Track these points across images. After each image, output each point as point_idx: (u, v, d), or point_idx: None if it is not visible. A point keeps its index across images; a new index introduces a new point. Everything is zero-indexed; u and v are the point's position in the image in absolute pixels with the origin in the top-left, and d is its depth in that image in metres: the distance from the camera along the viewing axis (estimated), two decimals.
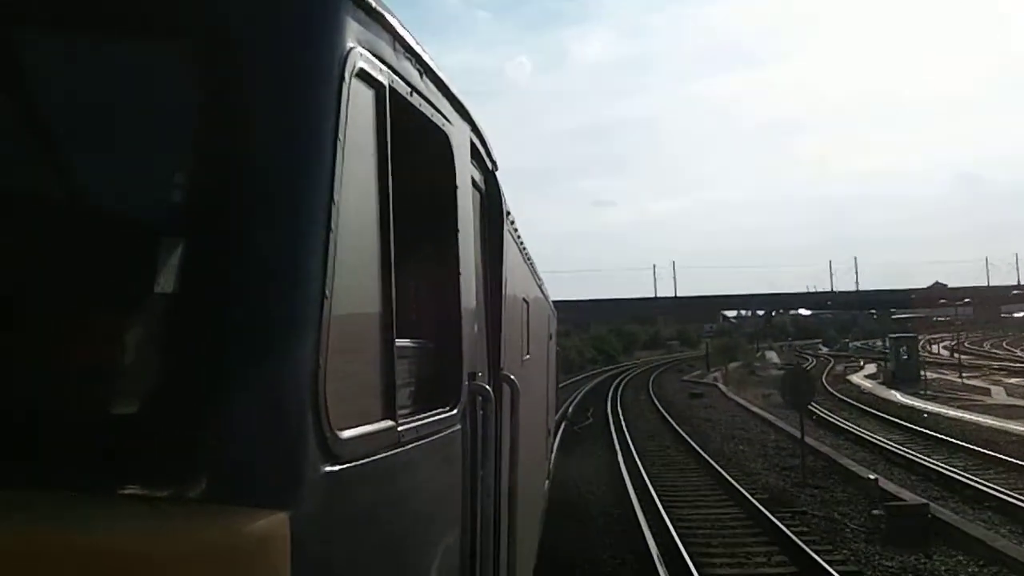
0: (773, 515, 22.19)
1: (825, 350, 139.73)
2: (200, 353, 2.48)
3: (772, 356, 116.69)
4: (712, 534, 21.74)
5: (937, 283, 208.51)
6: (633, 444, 35.97)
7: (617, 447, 35.39)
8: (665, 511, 23.05)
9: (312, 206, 2.67)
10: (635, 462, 31.12)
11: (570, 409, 45.48)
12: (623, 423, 43.89)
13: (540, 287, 14.91)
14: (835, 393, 57.11)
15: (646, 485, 26.71)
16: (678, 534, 20.72)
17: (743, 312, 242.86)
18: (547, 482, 18.81)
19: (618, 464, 31.07)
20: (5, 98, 2.82)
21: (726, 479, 27.59)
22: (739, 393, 60.56)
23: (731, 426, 42.84)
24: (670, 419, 45.07)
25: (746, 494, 25.04)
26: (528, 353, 9.78)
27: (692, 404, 54.39)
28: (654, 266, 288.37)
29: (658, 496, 24.98)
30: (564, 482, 26.57)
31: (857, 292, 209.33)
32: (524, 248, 10.40)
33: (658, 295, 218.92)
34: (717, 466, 29.99)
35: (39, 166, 2.78)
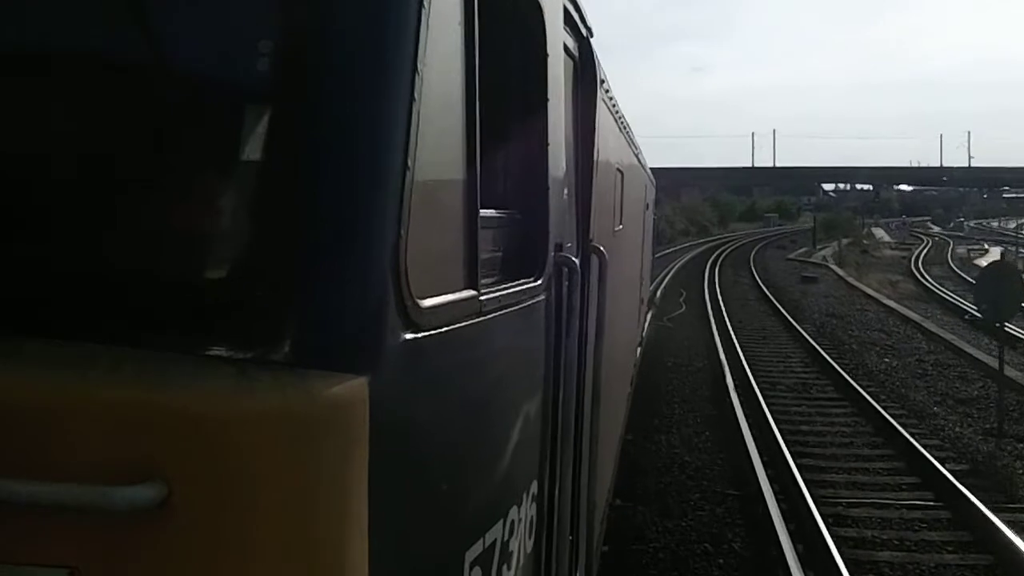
0: (996, 514, 12.77)
1: (936, 229, 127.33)
2: (283, 221, 2.43)
3: (881, 234, 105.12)
4: (906, 562, 12.08)
5: None
6: (741, 350, 26.71)
7: (721, 353, 26.19)
8: (814, 500, 13.51)
9: (395, 76, 2.57)
10: (749, 384, 21.86)
11: (658, 294, 36.10)
12: (724, 315, 34.49)
13: (637, 156, 14.09)
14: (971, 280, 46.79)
15: (772, 433, 17.40)
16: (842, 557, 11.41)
17: (841, 186, 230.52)
18: (639, 349, 19.01)
19: (725, 387, 21.84)
20: None
21: (890, 423, 18.03)
22: (860, 279, 50.49)
23: (865, 326, 33.06)
24: (784, 311, 35.56)
25: (933, 461, 15.47)
26: (621, 224, 9.21)
27: (807, 292, 44.46)
28: (752, 134, 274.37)
29: (794, 461, 15.46)
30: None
31: (969, 168, 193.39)
32: (620, 116, 9.78)
33: (756, 165, 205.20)
34: (867, 395, 20.55)
35: (126, 31, 2.61)
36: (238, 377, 2.25)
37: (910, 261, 66.54)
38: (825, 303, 39.52)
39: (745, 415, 18.88)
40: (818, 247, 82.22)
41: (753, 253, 72.55)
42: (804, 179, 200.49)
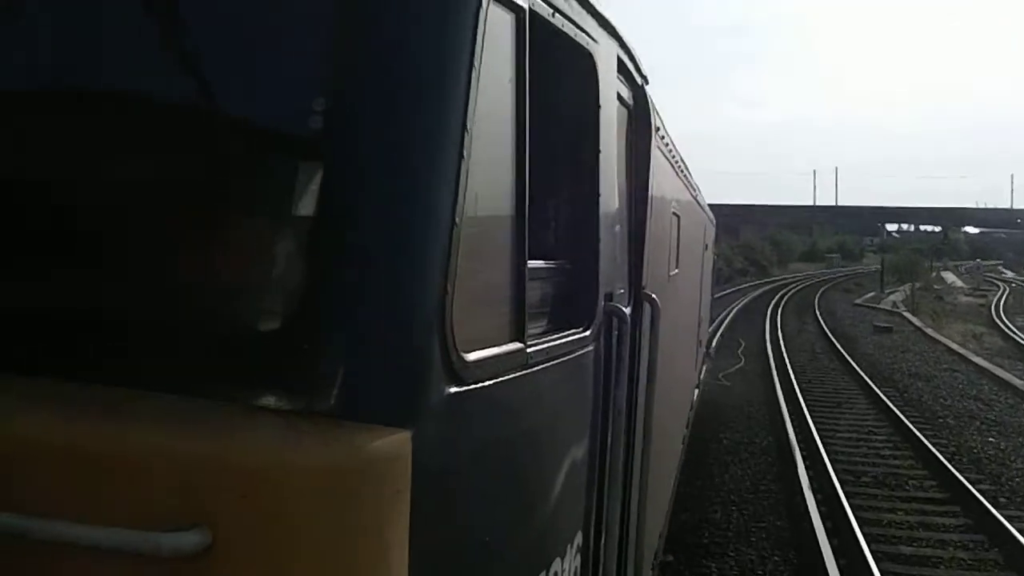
0: None
1: (1010, 274, 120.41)
2: (331, 274, 2.49)
3: (952, 278, 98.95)
4: None
5: None
6: (813, 422, 21.84)
7: (788, 426, 21.32)
8: None
9: (444, 133, 2.64)
10: (827, 474, 16.97)
11: (713, 344, 31.29)
12: (789, 372, 29.65)
13: (695, 197, 13.86)
14: None
15: (863, 558, 12.51)
16: None
17: (904, 226, 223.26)
18: (696, 391, 18.19)
19: (796, 481, 16.89)
20: (145, 10, 2.79)
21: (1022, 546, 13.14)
22: (939, 329, 45.15)
23: (957, 391, 27.90)
24: (858, 369, 30.65)
25: None
26: (676, 268, 9.12)
27: (882, 344, 39.28)
28: (814, 171, 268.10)
29: None
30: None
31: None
32: (676, 159, 9.62)
33: (817, 203, 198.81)
34: (981, 496, 15.64)
35: (176, 83, 2.71)
36: (284, 428, 2.31)
37: (989, 309, 60.98)
38: (905, 360, 34.39)
39: (827, 529, 13.97)
40: (887, 291, 76.64)
41: (817, 297, 67.25)
42: (866, 219, 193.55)
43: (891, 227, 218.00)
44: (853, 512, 14.51)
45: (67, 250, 2.69)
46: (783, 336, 40.13)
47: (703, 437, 20.23)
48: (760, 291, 71.28)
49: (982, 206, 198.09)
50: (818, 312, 53.90)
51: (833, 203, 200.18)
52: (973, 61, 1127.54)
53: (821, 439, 19.91)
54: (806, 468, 17.61)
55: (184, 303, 2.60)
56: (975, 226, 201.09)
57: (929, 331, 43.83)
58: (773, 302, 58.69)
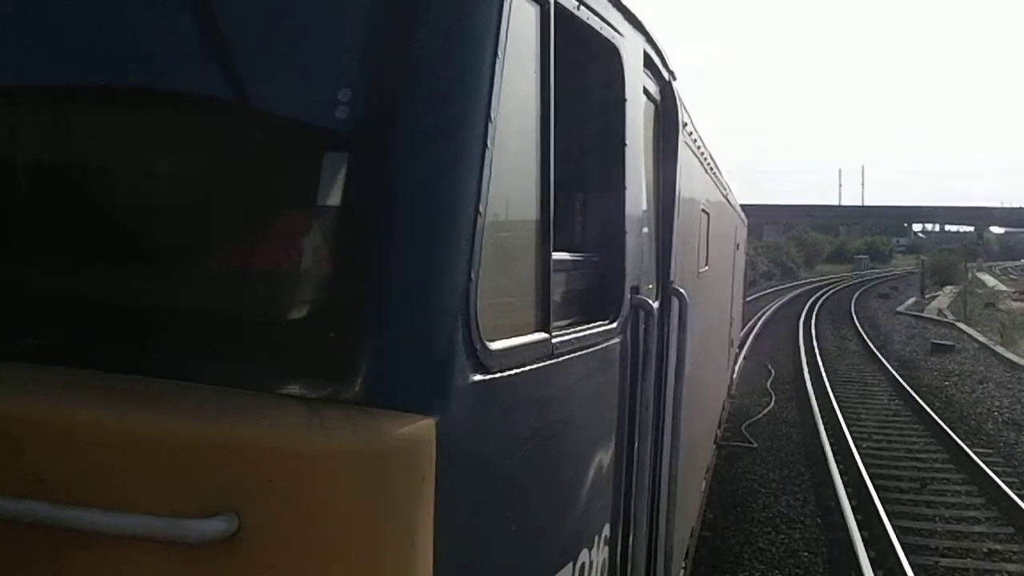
0: None
1: None
2: (356, 264, 2.49)
3: (992, 281, 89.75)
4: None
5: None
6: (890, 519, 13.58)
7: (854, 534, 12.94)
8: None
9: (468, 124, 2.63)
10: None
11: (734, 375, 22.89)
12: (840, 419, 21.23)
13: (726, 196, 13.71)
14: None
15: None
16: None
17: (927, 226, 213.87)
18: (729, 389, 18.51)
19: None
20: (177, 10, 2.80)
21: None
22: (1011, 346, 36.41)
23: None
24: (932, 413, 22.08)
25: None
26: (707, 265, 8.96)
27: (949, 371, 30.45)
28: (840, 170, 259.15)
29: None
30: None
31: None
32: (705, 157, 9.34)
33: (842, 203, 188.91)
34: None
35: (211, 77, 2.72)
36: (310, 415, 2.30)
37: None
38: (987, 395, 25.71)
39: None
40: (927, 296, 67.78)
41: (853, 303, 58.44)
42: (894, 218, 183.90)
43: (916, 227, 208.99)
44: None
45: (100, 240, 2.69)
46: (822, 359, 31.57)
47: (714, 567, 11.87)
48: (787, 297, 62.50)
49: (1008, 206, 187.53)
50: (858, 323, 45.22)
51: (859, 203, 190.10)
52: (1002, 62, 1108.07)
53: (906, 556, 11.73)
54: None
55: (211, 293, 2.58)
56: (1000, 226, 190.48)
57: (999, 350, 35.07)
58: (804, 311, 50.05)
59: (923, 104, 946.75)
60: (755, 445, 19.07)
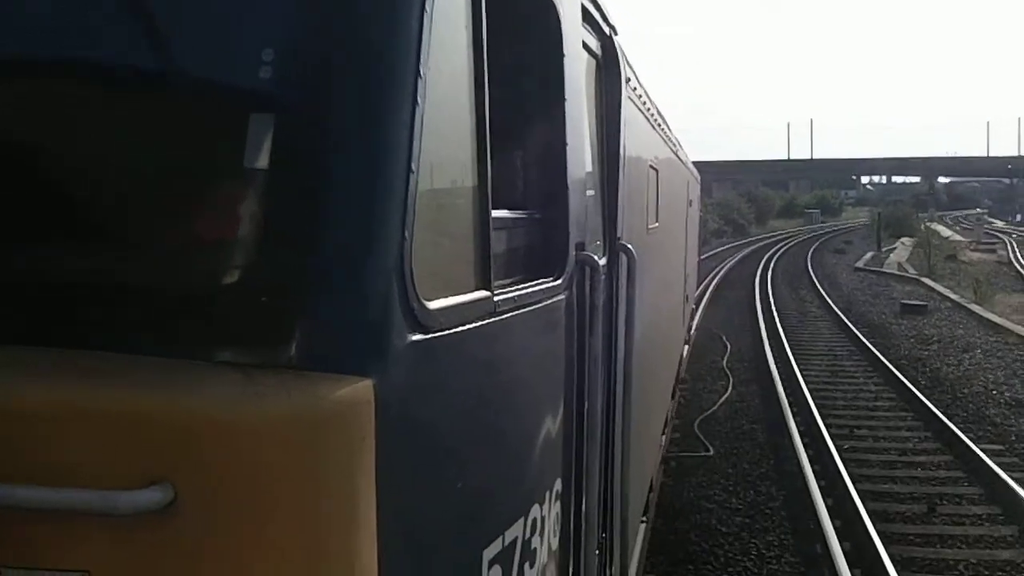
0: None
1: (999, 223, 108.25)
2: (286, 226, 2.42)
3: (947, 232, 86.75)
4: None
5: None
6: (890, 555, 9.71)
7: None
8: None
9: (396, 80, 2.54)
10: None
11: (684, 354, 18.89)
12: (811, 406, 17.45)
13: (675, 152, 13.14)
14: None
15: None
16: None
17: (875, 178, 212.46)
18: (686, 347, 18.90)
19: None
20: None
21: None
22: (986, 303, 32.88)
23: None
24: (919, 394, 18.38)
25: None
26: (656, 221, 8.80)
27: (925, 335, 26.77)
28: (788, 124, 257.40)
29: None
30: None
31: (1016, 157, 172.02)
32: (652, 113, 9.19)
33: (792, 157, 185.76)
34: None
35: (133, 40, 2.55)
36: (244, 382, 2.25)
37: (1007, 266, 49.26)
38: (976, 366, 21.91)
39: None
40: (883, 249, 64.47)
41: (809, 259, 54.87)
42: (842, 170, 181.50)
43: (863, 180, 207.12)
44: None
45: (24, 215, 2.58)
46: (783, 327, 27.73)
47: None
48: (741, 254, 58.81)
49: (956, 155, 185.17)
50: (817, 282, 41.53)
51: (808, 156, 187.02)
52: (950, 22, 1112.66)
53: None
54: None
55: (140, 262, 2.49)
56: (947, 175, 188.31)
57: (976, 309, 31.42)
58: (759, 270, 46.32)
59: (869, 62, 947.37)
60: (711, 452, 15.07)
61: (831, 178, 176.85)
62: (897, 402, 18.73)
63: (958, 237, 77.89)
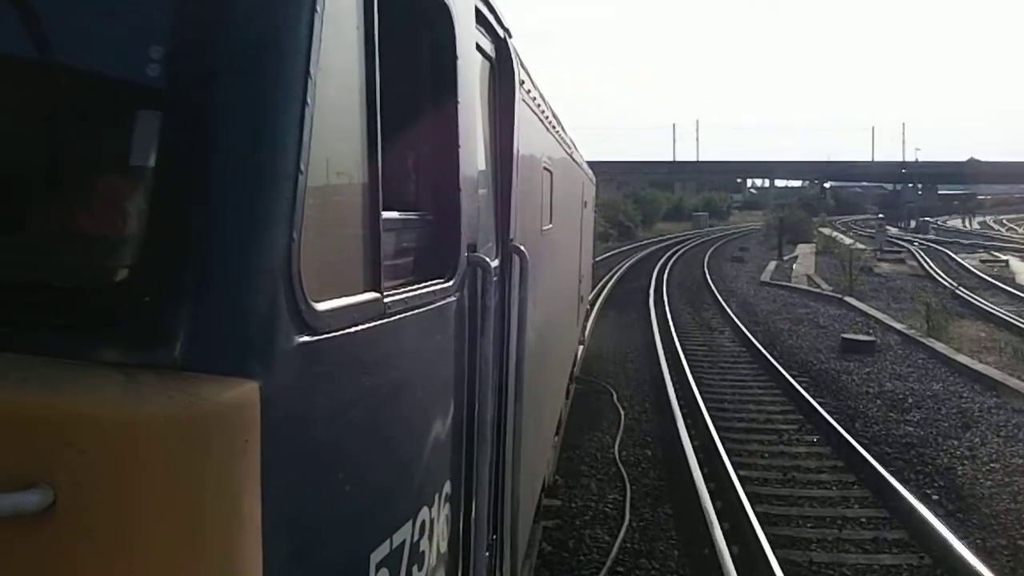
0: None
1: (893, 231, 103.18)
2: (171, 224, 2.35)
3: (845, 239, 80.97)
4: None
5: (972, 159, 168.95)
6: None
7: None
8: None
9: (285, 80, 2.51)
10: None
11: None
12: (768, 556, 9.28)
13: (570, 154, 12.97)
14: None
15: None
16: None
17: (758, 182, 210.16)
18: (581, 348, 18.51)
19: None
20: None
21: None
22: (942, 335, 25.53)
23: None
24: (925, 512, 10.36)
25: None
26: (551, 222, 8.82)
27: (886, 390, 19.03)
28: (674, 125, 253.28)
29: None
30: None
31: (907, 162, 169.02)
32: (546, 115, 9.04)
33: (677, 158, 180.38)
34: None
35: (18, 32, 2.49)
36: (126, 382, 2.21)
37: (930, 281, 42.70)
38: (1004, 464, 14.01)
39: None
40: (784, 257, 57.76)
41: (707, 270, 47.44)
42: (730, 173, 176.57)
43: (748, 183, 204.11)
44: None
45: None
46: (692, 373, 19.76)
47: None
48: (629, 262, 51.09)
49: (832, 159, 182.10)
50: (723, 301, 33.84)
51: (694, 158, 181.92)
52: (837, 22, 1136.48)
53: None
54: None
55: (20, 259, 2.42)
56: (835, 180, 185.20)
57: (939, 348, 23.73)
58: (651, 284, 38.63)
59: (755, 62, 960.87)
60: None
61: (717, 181, 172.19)
62: (918, 554, 10.65)
63: (860, 245, 71.85)
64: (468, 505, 4.33)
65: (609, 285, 37.83)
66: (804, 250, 64.58)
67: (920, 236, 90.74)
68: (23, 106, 2.54)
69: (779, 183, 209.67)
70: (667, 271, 46.65)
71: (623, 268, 47.10)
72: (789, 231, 76.80)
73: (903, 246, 72.14)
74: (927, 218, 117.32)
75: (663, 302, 32.91)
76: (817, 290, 39.17)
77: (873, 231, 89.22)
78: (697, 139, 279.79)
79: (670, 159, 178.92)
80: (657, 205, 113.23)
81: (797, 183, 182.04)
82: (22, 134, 2.55)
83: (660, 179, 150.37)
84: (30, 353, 2.24)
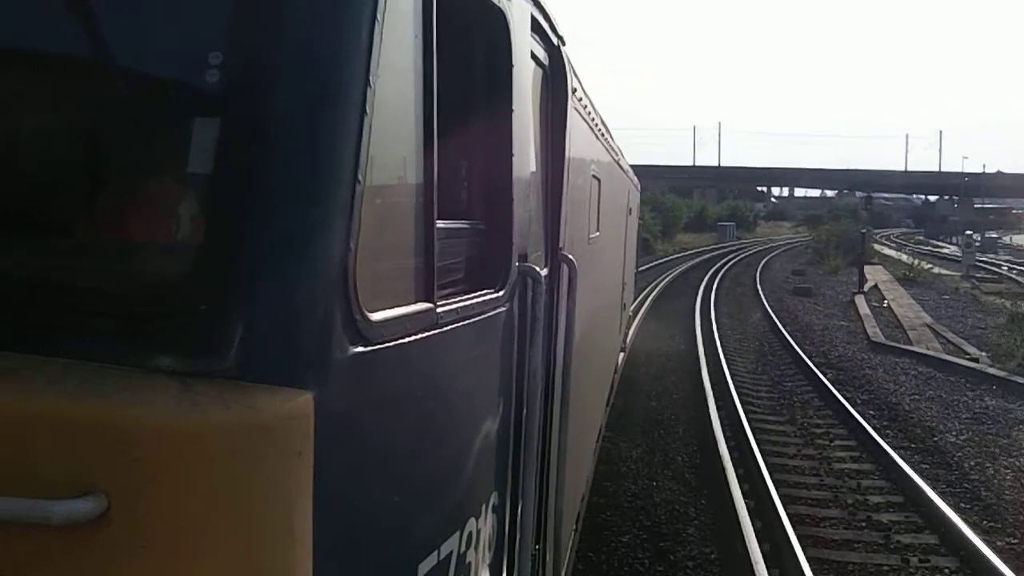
0: None
1: (950, 249, 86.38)
2: (230, 234, 2.30)
3: (903, 256, 65.05)
4: None
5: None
6: None
7: None
8: None
9: (344, 89, 2.46)
10: None
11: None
12: None
13: (617, 161, 12.75)
14: None
15: None
16: None
17: (777, 191, 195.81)
18: (622, 354, 17.87)
19: None
20: None
21: None
22: None
23: None
24: None
25: None
26: (598, 230, 8.58)
27: None
28: (694, 128, 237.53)
29: None
30: None
31: (967, 173, 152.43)
32: (596, 123, 8.81)
33: (697, 163, 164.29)
34: None
35: (77, 39, 2.47)
36: (181, 391, 2.18)
37: None
38: None
39: None
40: (863, 287, 41.69)
41: (770, 312, 31.39)
42: (754, 180, 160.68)
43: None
44: None
45: None
46: None
47: None
48: (651, 297, 35.07)
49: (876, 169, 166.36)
50: (859, 416, 17.92)
51: (716, 163, 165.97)
52: (866, 28, 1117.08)
53: None
54: None
55: (79, 265, 2.40)
56: (865, 191, 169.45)
57: None
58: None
59: (779, 66, 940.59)
60: None
61: (740, 188, 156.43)
62: None
63: (937, 268, 55.78)
64: (513, 515, 4.28)
65: (630, 342, 21.89)
66: (880, 277, 48.72)
67: (992, 256, 74.29)
68: (82, 112, 2.48)
69: (798, 192, 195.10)
70: (714, 324, 30.22)
71: (647, 303, 31.14)
72: (842, 248, 62.35)
73: (993, 270, 56.51)
74: (992, 233, 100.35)
75: (724, 379, 16.88)
76: (975, 364, 23.11)
77: (950, 251, 73.55)
78: (719, 143, 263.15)
79: (689, 163, 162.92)
80: (678, 214, 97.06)
81: (816, 193, 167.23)
82: (81, 140, 2.49)
83: (679, 184, 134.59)
84: (84, 359, 2.17)
